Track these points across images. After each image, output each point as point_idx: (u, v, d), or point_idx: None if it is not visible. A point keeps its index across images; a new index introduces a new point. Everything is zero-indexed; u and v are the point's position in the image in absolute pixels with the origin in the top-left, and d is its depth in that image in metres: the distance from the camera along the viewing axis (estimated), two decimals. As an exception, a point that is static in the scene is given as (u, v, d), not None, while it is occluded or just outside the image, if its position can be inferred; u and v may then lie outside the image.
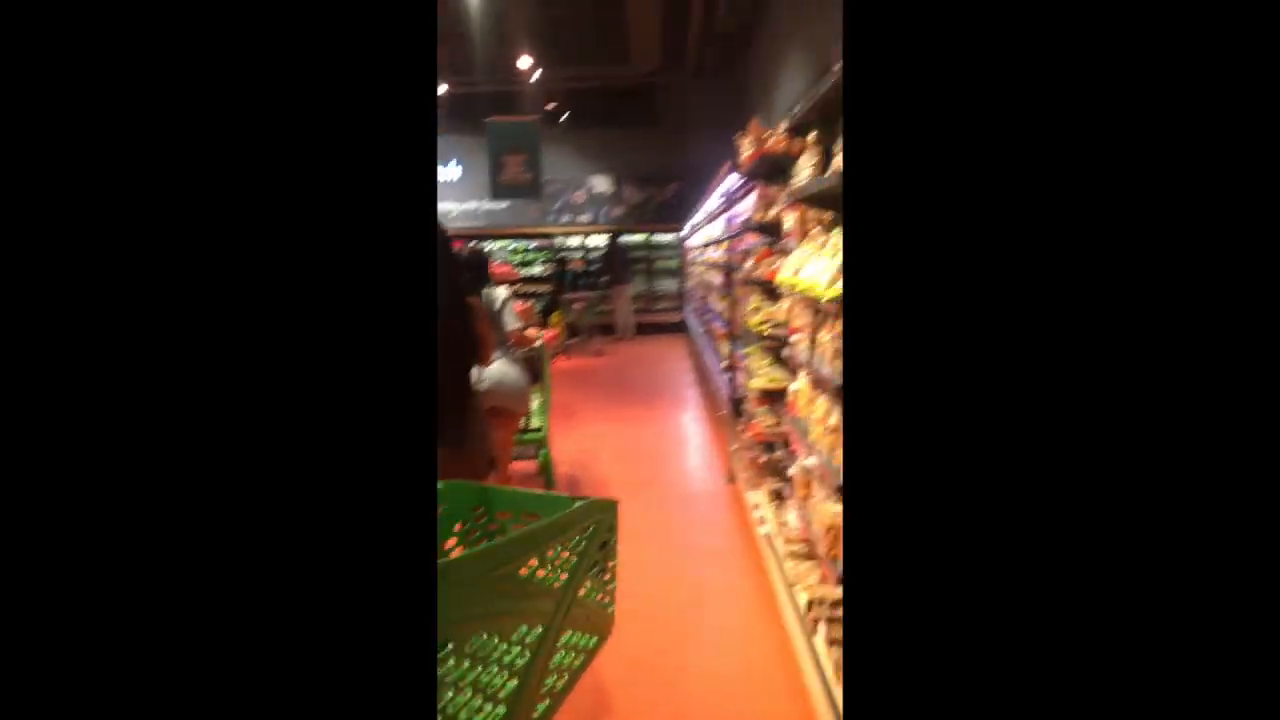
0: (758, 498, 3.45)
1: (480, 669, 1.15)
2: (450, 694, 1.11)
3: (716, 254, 8.23)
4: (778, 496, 3.28)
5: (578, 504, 1.34)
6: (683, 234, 11.87)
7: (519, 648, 1.22)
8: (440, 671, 1.06)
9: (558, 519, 1.28)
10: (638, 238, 12.29)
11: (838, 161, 2.19)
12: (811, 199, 2.57)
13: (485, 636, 1.17)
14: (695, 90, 11.74)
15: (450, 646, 1.07)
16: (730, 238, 6.71)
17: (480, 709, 1.15)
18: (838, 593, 2.42)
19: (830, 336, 2.21)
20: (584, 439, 5.47)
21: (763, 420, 3.65)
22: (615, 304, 11.06)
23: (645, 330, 11.56)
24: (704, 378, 7.20)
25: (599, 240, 12.12)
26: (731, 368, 5.49)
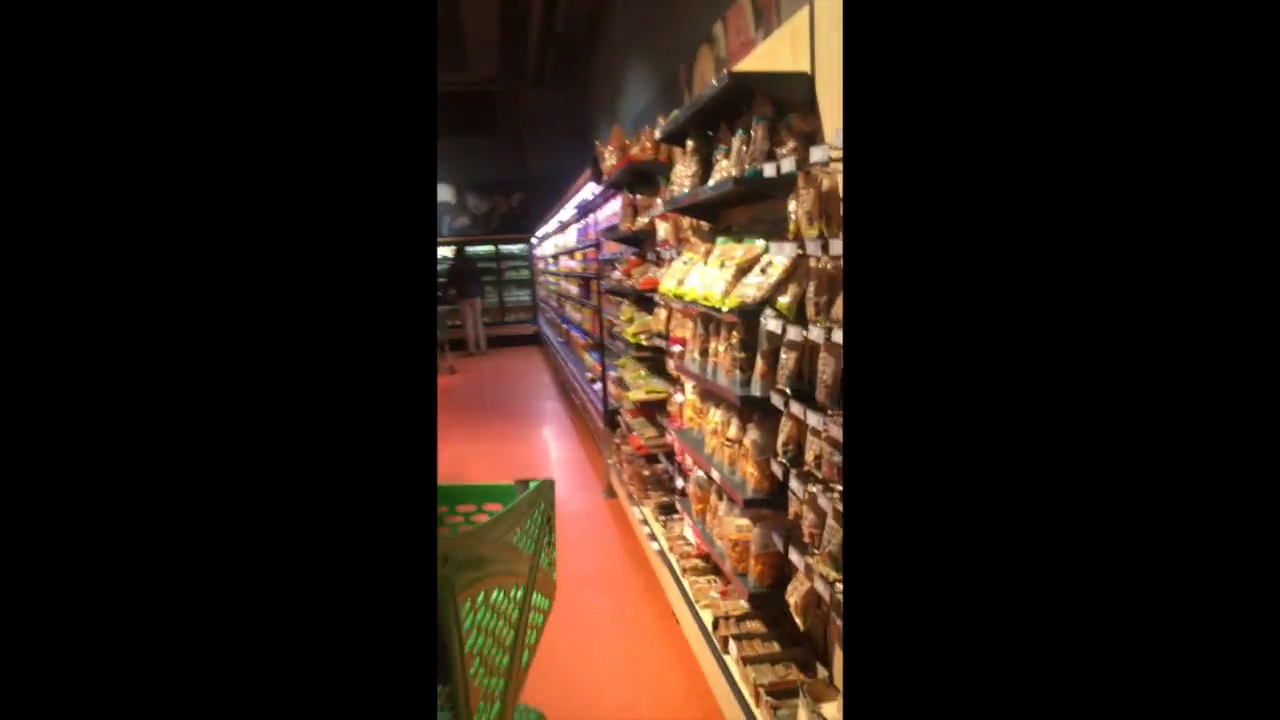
0: (644, 512, 3.37)
1: (493, 618, 1.43)
2: (481, 639, 1.36)
3: (573, 263, 8.13)
4: (667, 510, 3.21)
5: (532, 485, 1.65)
6: (533, 244, 11.67)
7: (511, 604, 1.51)
8: (476, 618, 1.33)
9: (527, 496, 1.58)
10: (485, 248, 11.93)
11: (724, 168, 2.15)
12: (692, 209, 2.53)
13: (497, 590, 1.44)
14: (536, 98, 11.58)
15: (481, 597, 1.34)
16: (587, 247, 6.64)
17: (496, 653, 1.44)
18: (743, 607, 2.38)
19: (725, 348, 2.17)
20: (449, 460, 5.15)
21: (643, 433, 3.58)
22: (465, 318, 10.65)
23: (498, 343, 11.23)
24: (567, 391, 7.06)
25: (444, 251, 11.64)
26: (599, 379, 5.39)
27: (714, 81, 1.89)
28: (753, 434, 2.00)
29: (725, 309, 1.95)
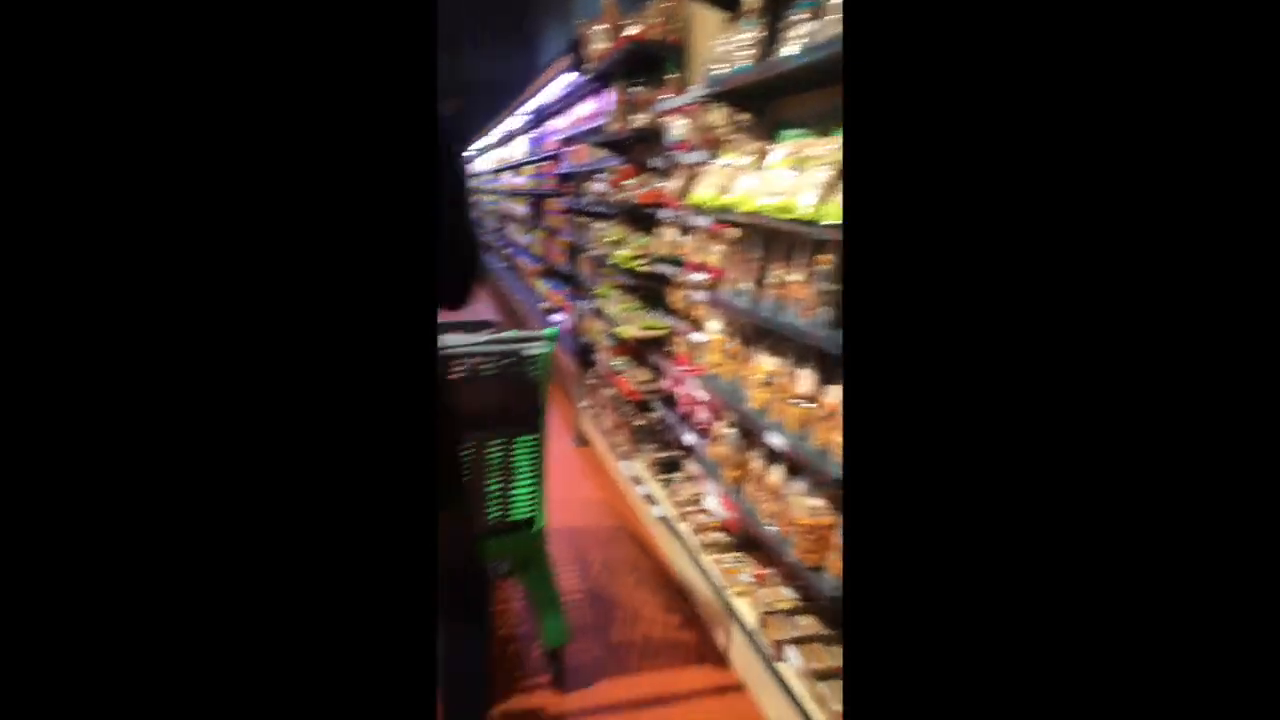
0: (636, 469, 2.88)
1: None
2: None
3: (519, 180, 7.36)
4: (668, 468, 2.73)
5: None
6: (467, 157, 10.68)
7: None
8: None
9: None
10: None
11: (801, 33, 1.58)
12: (747, 91, 1.94)
13: None
14: (472, -7, 10.39)
15: None
16: (541, 160, 5.91)
17: None
18: (788, 596, 1.95)
19: (805, 277, 1.64)
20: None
21: (633, 375, 3.06)
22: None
23: (429, 267, 10.34)
24: (518, 323, 6.43)
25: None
26: (557, 310, 4.81)
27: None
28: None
29: (823, 223, 1.42)
